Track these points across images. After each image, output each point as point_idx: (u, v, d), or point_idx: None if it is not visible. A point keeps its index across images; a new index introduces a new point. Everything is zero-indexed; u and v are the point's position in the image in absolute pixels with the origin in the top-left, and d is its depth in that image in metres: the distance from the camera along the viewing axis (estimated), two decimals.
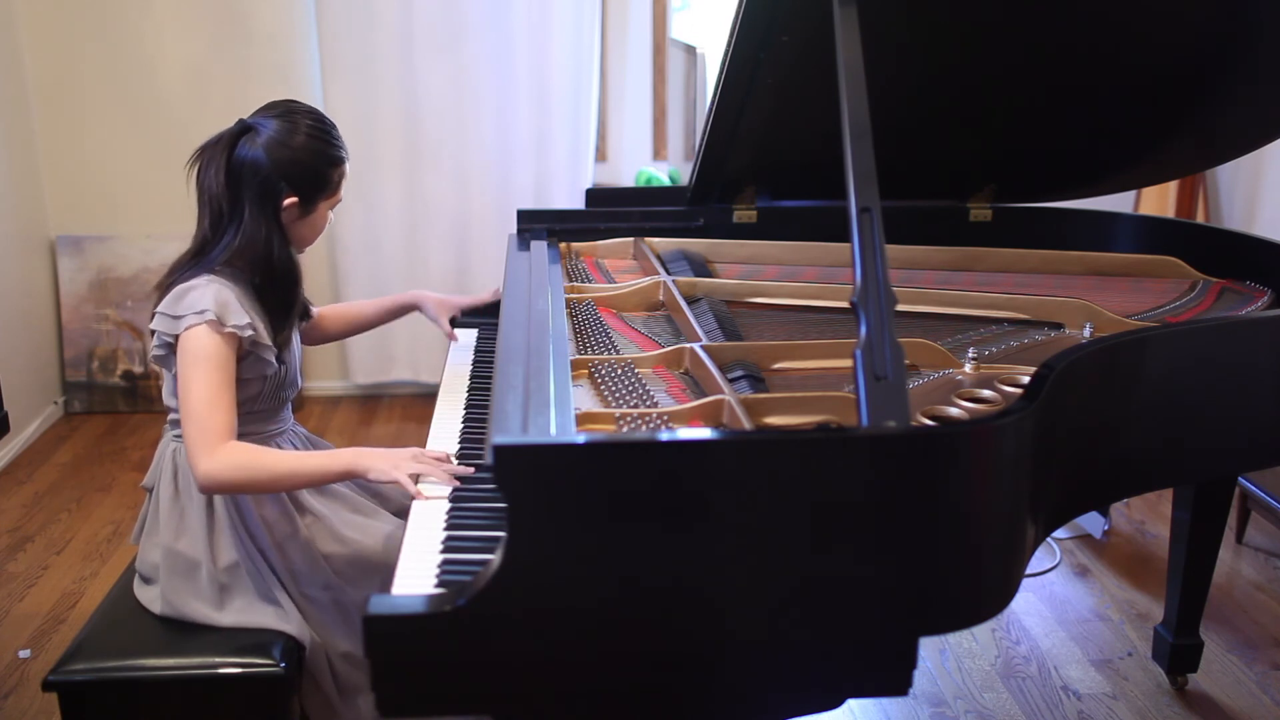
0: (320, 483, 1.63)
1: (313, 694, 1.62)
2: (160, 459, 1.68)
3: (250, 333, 1.55)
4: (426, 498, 1.46)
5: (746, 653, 1.15)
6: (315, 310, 1.88)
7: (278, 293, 1.63)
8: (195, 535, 1.60)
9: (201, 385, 1.51)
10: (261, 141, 1.57)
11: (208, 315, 1.52)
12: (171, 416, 1.65)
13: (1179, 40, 1.89)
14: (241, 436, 1.62)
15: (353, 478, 1.58)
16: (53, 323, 3.83)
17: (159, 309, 1.57)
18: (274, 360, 1.61)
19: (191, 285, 1.56)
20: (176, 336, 1.53)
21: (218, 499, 1.60)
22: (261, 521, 1.61)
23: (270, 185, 1.58)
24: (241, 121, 1.61)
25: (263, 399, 1.65)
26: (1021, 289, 2.04)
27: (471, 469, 1.53)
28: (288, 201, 1.60)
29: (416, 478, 1.51)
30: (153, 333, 1.58)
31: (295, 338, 1.74)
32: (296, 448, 1.73)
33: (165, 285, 1.60)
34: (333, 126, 1.65)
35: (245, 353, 1.58)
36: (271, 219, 1.60)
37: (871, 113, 1.38)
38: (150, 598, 1.63)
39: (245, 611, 1.58)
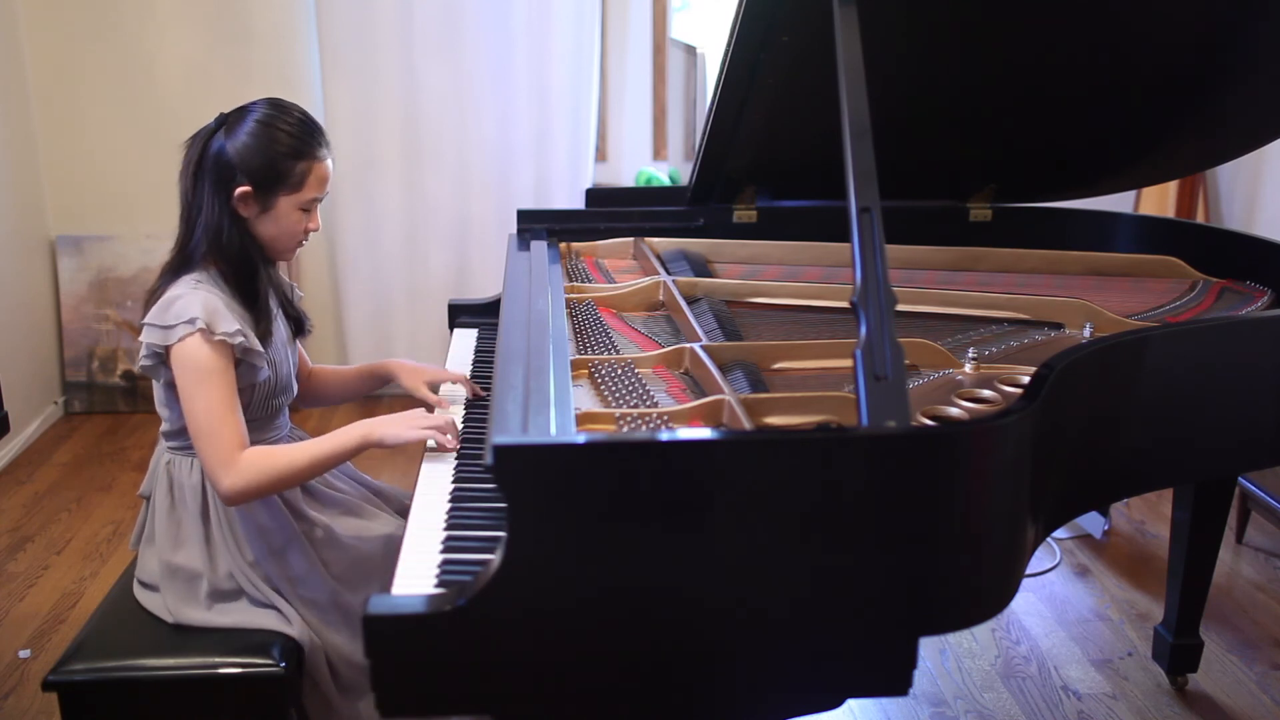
0: (342, 461, 1.60)
1: (312, 694, 1.62)
2: (155, 469, 1.67)
3: (241, 339, 1.54)
4: (456, 447, 1.59)
5: (746, 652, 1.15)
6: (310, 325, 1.82)
7: (238, 284, 1.60)
8: (192, 547, 1.60)
9: (206, 401, 1.50)
10: (230, 132, 1.57)
11: (198, 324, 1.50)
12: (164, 427, 1.64)
13: (1180, 39, 1.88)
14: None
15: (370, 447, 1.57)
16: (53, 323, 3.83)
17: (147, 320, 1.55)
18: (264, 365, 1.60)
19: (177, 294, 1.54)
20: (168, 348, 1.52)
21: (211, 510, 1.60)
22: (258, 530, 1.60)
23: (226, 172, 1.56)
24: (222, 115, 1.61)
25: (254, 407, 1.63)
26: (1021, 289, 2.04)
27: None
28: (240, 190, 1.57)
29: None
30: (141, 341, 1.56)
31: (290, 348, 1.73)
32: None
33: (154, 291, 1.58)
34: (306, 123, 1.61)
35: (236, 360, 1.56)
36: (224, 206, 1.57)
37: (871, 113, 1.38)
38: (153, 606, 1.63)
39: (246, 616, 1.58)
